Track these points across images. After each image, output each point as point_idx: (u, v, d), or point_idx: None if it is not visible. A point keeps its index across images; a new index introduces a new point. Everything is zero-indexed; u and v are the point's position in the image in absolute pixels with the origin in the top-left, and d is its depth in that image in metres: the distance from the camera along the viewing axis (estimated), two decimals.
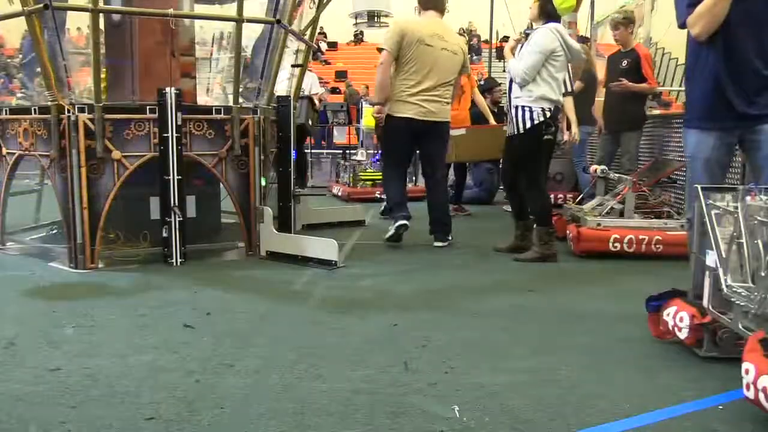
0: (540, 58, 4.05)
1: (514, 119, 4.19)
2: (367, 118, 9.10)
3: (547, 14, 4.15)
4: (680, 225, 4.35)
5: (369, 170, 8.06)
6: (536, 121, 4.10)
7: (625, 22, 5.54)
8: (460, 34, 9.91)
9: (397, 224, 4.61)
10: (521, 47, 4.21)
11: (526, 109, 4.12)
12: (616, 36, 5.59)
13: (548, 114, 4.10)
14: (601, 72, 6.32)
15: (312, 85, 8.58)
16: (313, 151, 9.97)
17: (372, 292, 3.45)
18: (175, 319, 2.90)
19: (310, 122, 8.34)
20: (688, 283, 2.59)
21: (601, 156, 5.86)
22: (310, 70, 9.11)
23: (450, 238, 4.75)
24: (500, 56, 13.39)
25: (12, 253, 4.43)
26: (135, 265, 3.99)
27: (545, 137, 4.15)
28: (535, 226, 4.30)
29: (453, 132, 5.85)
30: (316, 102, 8.64)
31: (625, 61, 5.52)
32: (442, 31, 4.59)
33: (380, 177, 7.03)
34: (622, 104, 5.54)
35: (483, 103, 6.41)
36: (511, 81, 4.26)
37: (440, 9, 4.66)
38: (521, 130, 4.15)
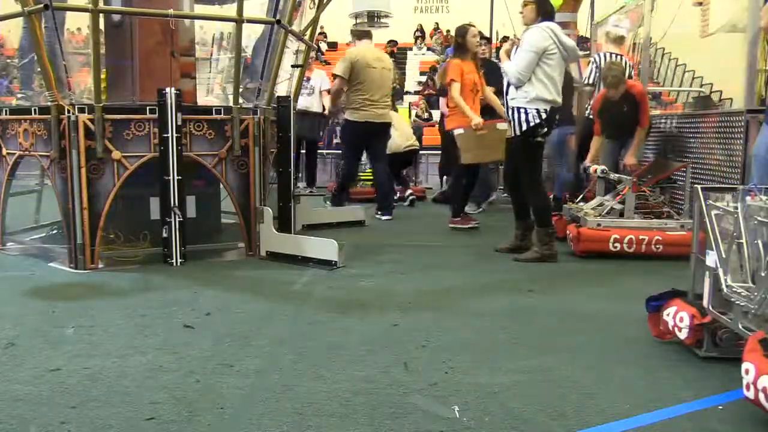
0: (534, 57, 4.05)
1: (512, 121, 4.20)
2: None
3: (545, 13, 4.17)
4: (680, 225, 4.36)
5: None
6: (532, 123, 4.10)
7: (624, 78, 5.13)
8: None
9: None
10: (516, 50, 4.22)
11: (522, 110, 4.12)
12: (616, 93, 5.04)
13: (544, 115, 4.09)
14: (575, 71, 6.45)
15: (322, 83, 8.61)
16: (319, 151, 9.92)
17: (372, 292, 3.45)
18: (175, 319, 2.90)
19: (321, 134, 8.75)
20: (688, 283, 2.59)
21: (609, 165, 5.74)
22: (319, 68, 9.18)
23: (392, 214, 6.14)
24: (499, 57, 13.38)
25: (12, 253, 4.43)
26: (135, 265, 3.99)
27: (536, 139, 4.13)
28: (535, 226, 4.30)
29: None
30: (326, 107, 8.71)
31: (626, 107, 5.20)
32: (379, 55, 6.19)
33: None
34: (622, 117, 5.34)
35: (496, 100, 6.26)
36: (508, 83, 4.26)
37: (371, 37, 6.23)
38: (518, 132, 4.17)
